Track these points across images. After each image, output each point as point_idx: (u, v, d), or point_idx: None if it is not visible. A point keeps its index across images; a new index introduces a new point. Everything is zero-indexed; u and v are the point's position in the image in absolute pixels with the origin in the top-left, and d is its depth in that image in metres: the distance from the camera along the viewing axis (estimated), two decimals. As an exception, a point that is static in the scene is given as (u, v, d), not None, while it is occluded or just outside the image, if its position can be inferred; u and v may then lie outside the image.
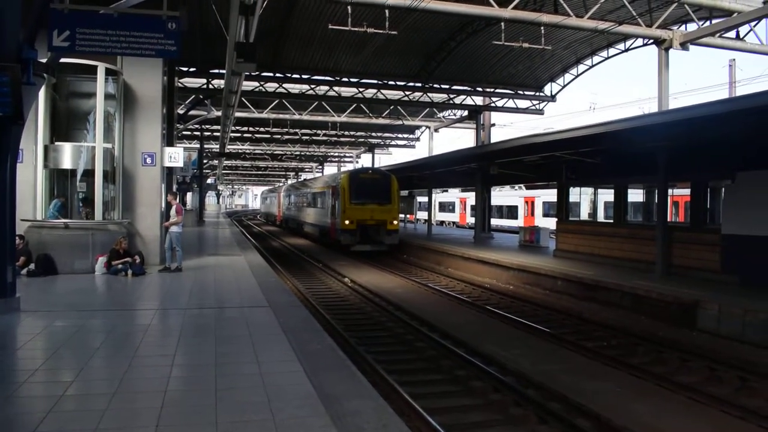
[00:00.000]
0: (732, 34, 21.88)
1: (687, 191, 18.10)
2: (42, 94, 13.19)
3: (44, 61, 10.04)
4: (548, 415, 8.08)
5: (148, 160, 15.92)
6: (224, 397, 5.59)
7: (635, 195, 21.14)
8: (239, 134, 48.75)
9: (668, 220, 17.48)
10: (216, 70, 27.75)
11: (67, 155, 14.75)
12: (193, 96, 31.47)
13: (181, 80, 28.13)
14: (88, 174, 14.77)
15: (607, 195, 22.01)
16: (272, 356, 7.10)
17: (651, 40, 22.25)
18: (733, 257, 15.14)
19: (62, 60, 11.80)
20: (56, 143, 14.69)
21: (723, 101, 14.15)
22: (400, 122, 40.85)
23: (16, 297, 9.54)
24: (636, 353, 11.71)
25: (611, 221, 20.79)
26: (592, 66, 29.82)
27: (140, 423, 4.98)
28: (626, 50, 26.96)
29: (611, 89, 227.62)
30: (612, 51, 28.03)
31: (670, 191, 17.60)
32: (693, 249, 16.50)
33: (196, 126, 39.43)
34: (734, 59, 27.58)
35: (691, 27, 21.99)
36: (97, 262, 13.98)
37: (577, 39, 27.03)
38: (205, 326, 8.85)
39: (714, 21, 21.21)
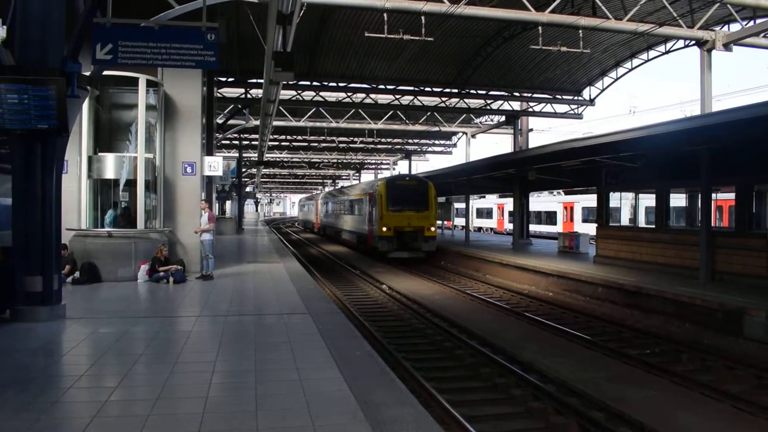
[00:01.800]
0: (777, 33, 21.37)
1: (731, 195, 17.65)
2: (85, 106, 13.52)
3: (88, 74, 10.30)
4: (590, 423, 7.95)
5: (189, 170, 16.18)
6: (264, 403, 5.64)
7: (677, 199, 20.69)
8: (277, 143, 49.35)
9: (712, 224, 17.08)
10: (254, 80, 28.17)
11: (110, 165, 15.09)
12: (232, 105, 31.90)
13: (219, 90, 28.60)
14: (131, 184, 15.04)
15: (648, 200, 21.59)
16: (311, 363, 7.12)
17: (693, 42, 21.83)
18: (781, 263, 14.69)
19: (105, 72, 12.11)
20: (99, 154, 15.05)
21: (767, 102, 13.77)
22: (436, 128, 40.74)
23: (62, 304, 9.76)
24: (680, 361, 11.45)
25: (653, 226, 20.37)
26: (632, 69, 29.33)
27: (182, 428, 5.04)
28: (667, 52, 26.47)
29: (652, 92, 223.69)
30: (652, 53, 27.53)
31: (713, 195, 17.20)
32: (738, 254, 16.07)
33: (235, 135, 40.06)
34: (779, 59, 26.85)
35: (734, 27, 21.53)
36: (139, 269, 14.23)
37: (616, 42, 26.64)
38: (244, 333, 8.95)
39: (758, 21, 20.73)
